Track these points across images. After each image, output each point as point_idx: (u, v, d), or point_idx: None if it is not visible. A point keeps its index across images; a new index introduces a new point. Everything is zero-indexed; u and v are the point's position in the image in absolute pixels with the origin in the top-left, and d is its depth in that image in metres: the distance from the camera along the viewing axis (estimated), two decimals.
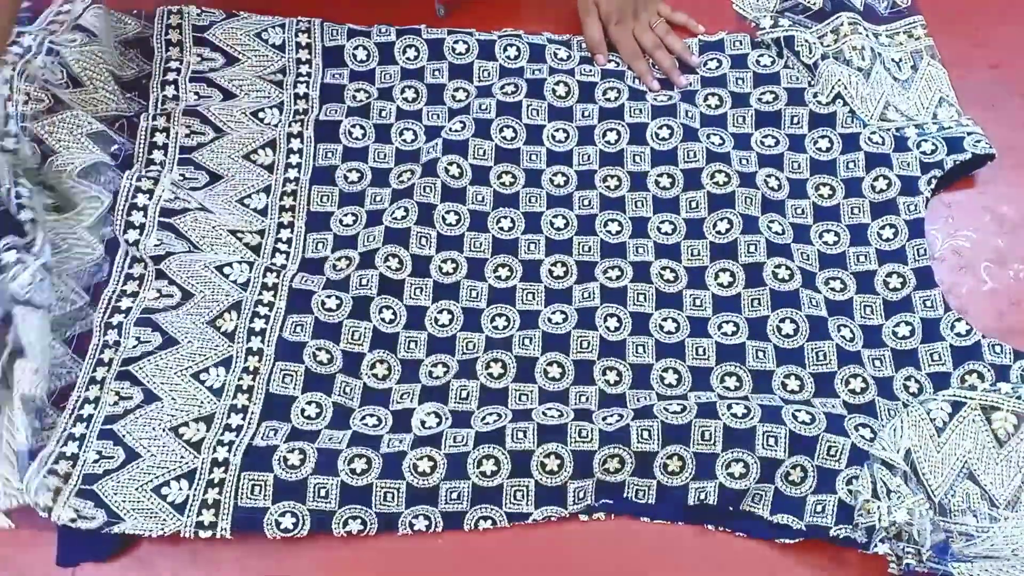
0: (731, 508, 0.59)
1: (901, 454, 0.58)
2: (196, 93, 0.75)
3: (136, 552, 0.59)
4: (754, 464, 0.59)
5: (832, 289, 0.68)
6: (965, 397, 0.60)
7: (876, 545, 0.56)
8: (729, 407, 0.61)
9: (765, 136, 0.75)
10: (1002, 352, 0.63)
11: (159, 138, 0.73)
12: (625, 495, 0.60)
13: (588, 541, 0.60)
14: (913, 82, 0.77)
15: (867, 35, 0.78)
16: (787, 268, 0.68)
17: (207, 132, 0.74)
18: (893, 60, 0.78)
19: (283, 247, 0.70)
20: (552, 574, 0.59)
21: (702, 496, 0.59)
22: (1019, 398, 0.60)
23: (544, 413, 0.61)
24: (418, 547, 0.59)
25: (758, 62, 0.79)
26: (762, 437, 0.59)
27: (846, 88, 0.75)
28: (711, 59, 0.80)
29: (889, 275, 0.68)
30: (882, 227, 0.71)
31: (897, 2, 0.82)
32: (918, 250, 0.69)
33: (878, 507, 0.56)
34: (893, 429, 0.60)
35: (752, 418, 0.60)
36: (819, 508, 0.58)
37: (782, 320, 0.66)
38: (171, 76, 0.75)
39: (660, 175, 0.73)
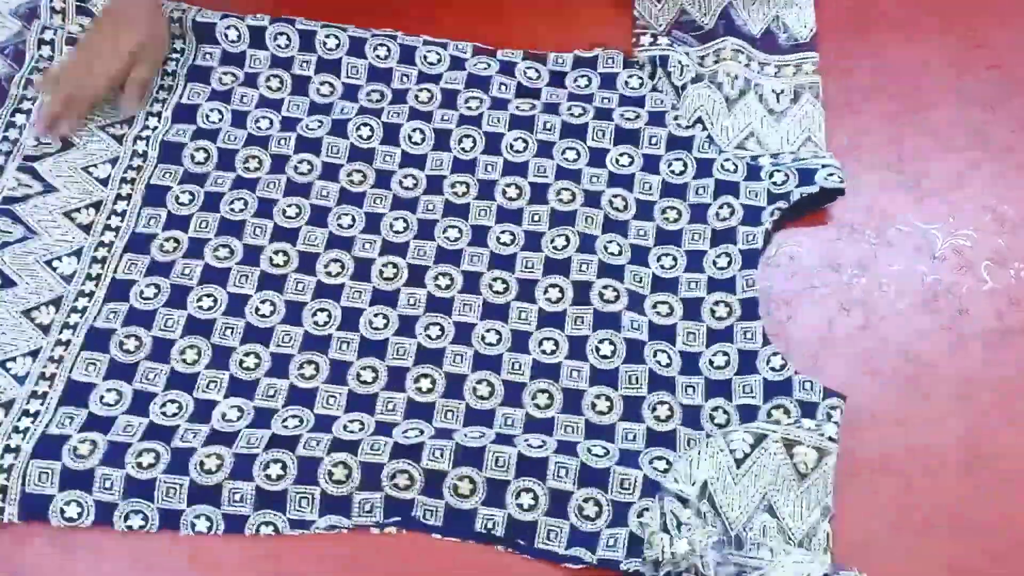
0: (521, 542, 0.59)
1: (696, 487, 0.59)
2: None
3: (136, 552, 0.58)
4: (543, 495, 0.59)
5: (658, 313, 0.68)
6: (768, 430, 0.61)
7: None
8: (526, 439, 0.61)
9: (621, 155, 0.75)
10: (811, 389, 0.63)
11: (25, 105, 0.75)
12: (413, 514, 0.59)
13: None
14: (787, 116, 0.77)
15: (746, 64, 0.78)
16: (614, 290, 0.68)
17: None
18: (773, 91, 0.78)
19: (115, 221, 0.71)
20: None
21: (489, 525, 0.59)
22: (821, 434, 0.60)
23: (345, 427, 0.62)
24: (419, 548, 0.59)
25: (627, 83, 0.79)
26: (554, 467, 0.60)
27: (708, 115, 0.76)
28: (582, 76, 0.79)
29: (716, 303, 0.68)
30: (718, 255, 0.70)
31: (797, 37, 0.81)
32: (747, 280, 0.68)
33: (661, 539, 0.56)
34: (689, 461, 0.60)
35: (547, 448, 0.61)
36: (611, 542, 0.58)
37: (601, 341, 0.66)
38: (48, 36, 0.78)
39: (508, 185, 0.74)
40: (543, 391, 0.65)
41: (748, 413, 0.63)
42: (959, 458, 0.62)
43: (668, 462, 0.61)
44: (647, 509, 0.58)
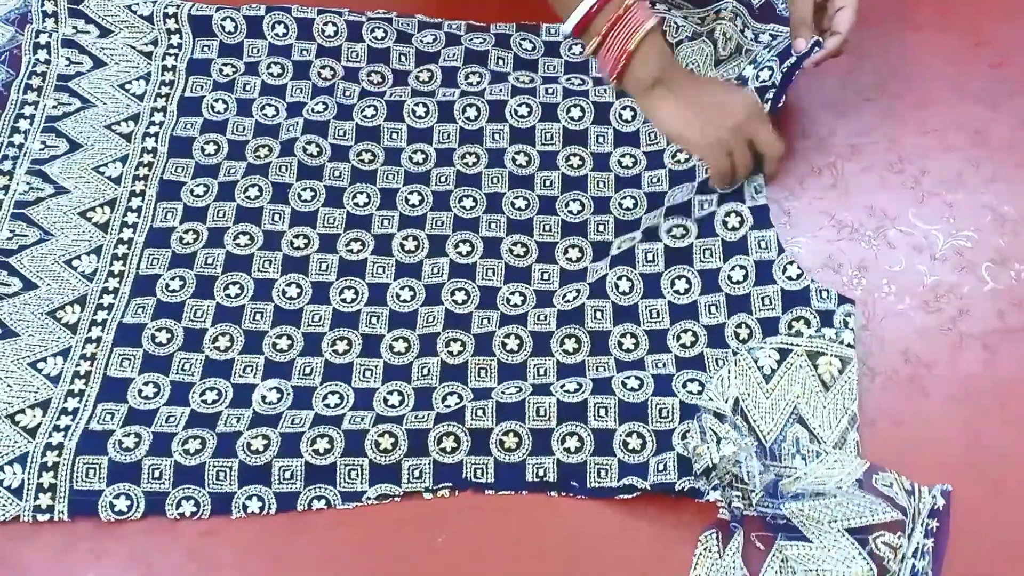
0: (574, 484, 0.62)
1: (729, 403, 0.62)
2: (68, 59, 0.79)
3: (135, 552, 0.59)
4: (588, 437, 0.63)
5: (674, 236, 0.71)
6: (792, 344, 0.64)
7: (708, 493, 0.59)
8: (562, 385, 0.64)
9: (624, 107, 0.78)
10: (828, 297, 0.66)
11: (27, 110, 0.77)
12: (464, 475, 0.62)
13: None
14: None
15: (741, 30, 0.80)
16: (632, 238, 0.72)
17: (74, 103, 0.78)
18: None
19: (132, 218, 0.73)
20: None
21: (540, 473, 0.62)
22: (842, 342, 0.63)
23: (386, 400, 0.65)
24: (417, 548, 0.60)
25: None
26: (593, 409, 0.63)
27: (698, 68, 0.79)
28: (576, 43, 0.82)
29: (728, 214, 0.71)
30: None
31: None
32: (755, 188, 0.71)
33: (707, 448, 0.58)
34: (720, 380, 0.63)
35: (583, 391, 0.64)
36: (661, 467, 0.60)
37: (619, 277, 0.70)
38: (43, 39, 0.79)
39: (517, 152, 0.76)
40: (571, 336, 0.68)
41: (769, 325, 0.66)
42: (959, 458, 0.62)
43: (700, 383, 0.64)
44: (688, 431, 0.61)
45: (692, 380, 0.64)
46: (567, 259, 0.72)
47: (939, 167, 0.76)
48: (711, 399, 0.62)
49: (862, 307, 0.69)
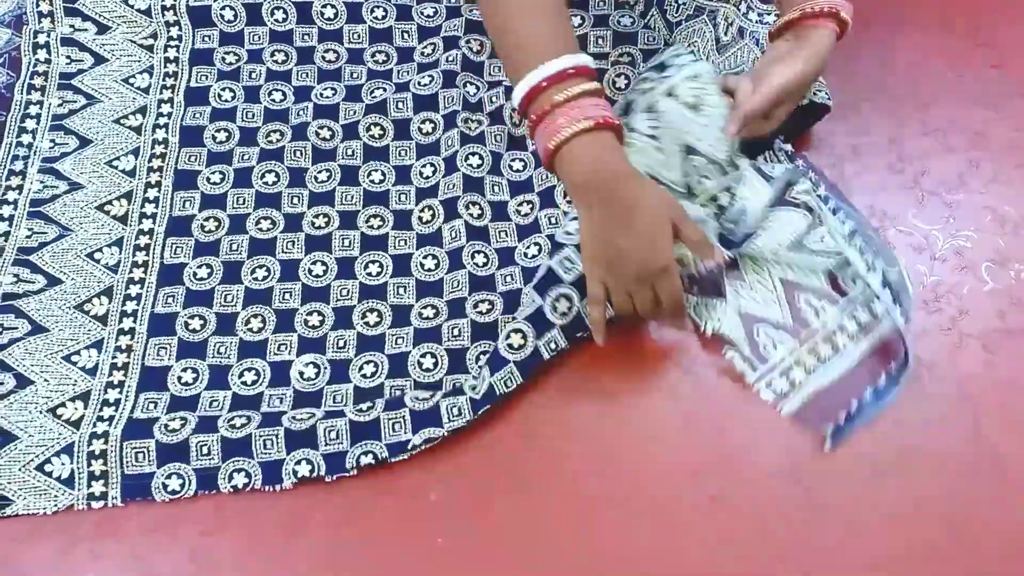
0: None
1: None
2: (68, 57, 0.81)
3: (135, 551, 0.59)
4: (497, 300, 0.69)
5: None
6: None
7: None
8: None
9: (618, 75, 0.81)
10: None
11: (32, 110, 0.78)
12: (497, 392, 0.64)
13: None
14: None
15: (744, 13, 0.80)
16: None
17: (79, 100, 0.80)
18: None
19: (150, 208, 0.75)
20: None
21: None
22: None
23: (419, 363, 0.67)
24: (418, 548, 0.60)
25: (619, 22, 0.84)
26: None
27: (700, 50, 0.80)
28: (575, 15, 0.84)
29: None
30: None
31: None
32: None
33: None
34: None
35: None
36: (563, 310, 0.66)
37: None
38: (42, 39, 0.81)
39: (514, 110, 0.79)
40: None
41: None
42: (959, 459, 0.62)
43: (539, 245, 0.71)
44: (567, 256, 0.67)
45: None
46: (470, 214, 0.74)
47: (939, 168, 0.77)
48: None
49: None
